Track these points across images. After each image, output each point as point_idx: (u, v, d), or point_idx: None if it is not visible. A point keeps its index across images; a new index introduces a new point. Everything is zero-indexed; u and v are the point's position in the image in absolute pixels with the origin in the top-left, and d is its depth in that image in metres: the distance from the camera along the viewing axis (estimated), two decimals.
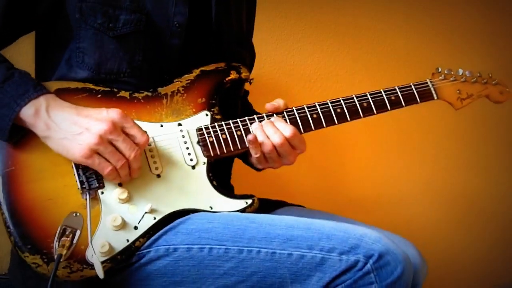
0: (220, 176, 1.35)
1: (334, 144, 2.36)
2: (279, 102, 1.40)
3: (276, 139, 1.34)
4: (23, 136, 1.20)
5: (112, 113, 1.18)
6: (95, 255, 1.14)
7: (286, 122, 1.38)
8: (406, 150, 2.60)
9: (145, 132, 1.22)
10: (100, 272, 1.13)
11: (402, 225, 2.49)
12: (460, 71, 1.55)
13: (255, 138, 1.33)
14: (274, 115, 1.39)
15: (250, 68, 1.68)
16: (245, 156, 1.45)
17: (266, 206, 1.41)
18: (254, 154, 1.36)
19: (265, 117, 1.38)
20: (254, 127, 1.35)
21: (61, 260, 1.11)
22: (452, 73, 1.55)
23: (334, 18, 2.40)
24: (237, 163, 1.58)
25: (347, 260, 1.13)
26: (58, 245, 1.13)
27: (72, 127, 1.16)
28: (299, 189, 2.26)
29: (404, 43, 2.53)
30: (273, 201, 1.51)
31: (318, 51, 2.35)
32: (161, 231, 1.22)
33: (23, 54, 1.60)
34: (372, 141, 2.50)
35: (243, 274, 1.18)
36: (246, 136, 1.35)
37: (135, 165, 1.20)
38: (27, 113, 1.16)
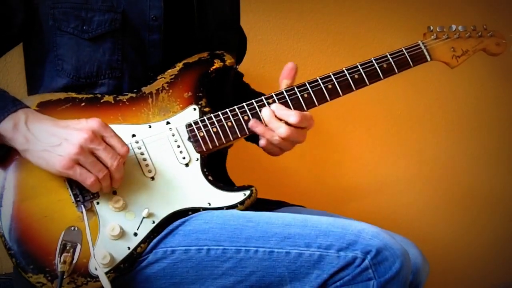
0: (215, 170, 1.34)
1: (333, 143, 2.35)
2: (289, 67, 1.37)
3: (283, 132, 1.31)
4: (4, 155, 1.19)
5: (91, 122, 1.15)
6: (99, 267, 1.15)
7: (288, 105, 1.34)
8: (406, 149, 2.58)
9: (125, 142, 1.19)
10: (107, 285, 1.13)
11: (402, 224, 2.49)
12: (453, 27, 1.49)
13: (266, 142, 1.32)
14: (275, 99, 1.34)
15: (243, 52, 1.64)
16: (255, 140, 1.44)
17: (266, 206, 1.40)
18: (271, 150, 1.35)
19: (254, 103, 1.34)
20: (255, 128, 1.32)
21: (64, 276, 1.11)
22: (444, 30, 1.49)
23: (334, 18, 2.37)
24: (237, 163, 1.58)
25: (345, 256, 1.13)
26: (60, 261, 1.12)
27: (50, 139, 1.14)
28: (298, 189, 2.25)
29: (404, 43, 2.52)
30: (273, 201, 1.50)
31: (318, 51, 2.33)
32: (160, 235, 1.22)
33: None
34: (371, 139, 2.48)
35: (241, 274, 1.18)
36: (237, 126, 1.31)
37: (117, 175, 1.17)
38: (6, 127, 1.14)
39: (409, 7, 2.54)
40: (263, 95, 1.39)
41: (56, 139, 1.14)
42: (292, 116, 1.31)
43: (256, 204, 1.31)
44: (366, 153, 2.49)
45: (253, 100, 1.34)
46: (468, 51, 1.49)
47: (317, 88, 1.36)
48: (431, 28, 1.47)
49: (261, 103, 1.34)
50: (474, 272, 2.82)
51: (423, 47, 1.45)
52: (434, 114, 2.61)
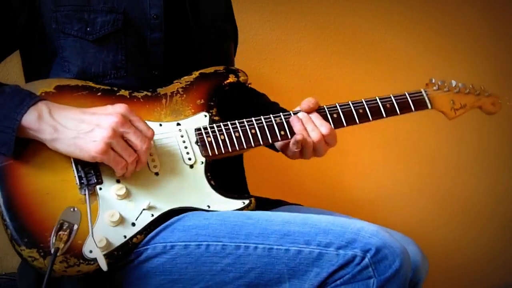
0: (232, 173, 1.39)
1: None
2: (311, 101, 1.42)
3: (315, 136, 1.38)
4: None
5: (118, 108, 1.18)
6: (97, 248, 1.14)
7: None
8: (405, 150, 2.60)
9: (150, 126, 1.23)
10: (103, 264, 1.13)
11: (402, 224, 2.49)
12: (453, 83, 1.59)
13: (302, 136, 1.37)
14: (282, 117, 1.40)
15: (235, 43, 1.69)
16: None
17: (265, 205, 1.42)
18: (296, 149, 1.39)
19: (262, 119, 1.39)
20: (295, 123, 1.39)
21: (58, 254, 1.10)
22: (445, 84, 1.58)
23: (334, 18, 2.40)
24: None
25: (345, 255, 1.12)
26: (56, 239, 1.12)
27: (81, 126, 1.15)
28: (298, 189, 2.26)
29: (404, 43, 2.53)
30: (271, 200, 1.52)
31: (318, 51, 2.35)
32: (158, 229, 1.22)
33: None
34: (371, 141, 2.50)
35: (240, 270, 1.18)
36: (244, 138, 1.36)
37: (144, 158, 1.21)
38: (30, 119, 1.14)
39: (409, 8, 2.55)
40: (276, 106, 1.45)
41: (87, 126, 1.15)
42: (325, 126, 1.39)
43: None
44: (365, 154, 2.50)
45: (261, 117, 1.40)
46: (466, 106, 1.60)
47: (323, 115, 1.43)
48: (433, 80, 1.57)
49: (269, 119, 1.40)
50: (474, 272, 2.80)
51: (425, 95, 1.54)
52: (434, 116, 2.60)
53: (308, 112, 1.42)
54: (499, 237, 2.86)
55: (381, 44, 2.49)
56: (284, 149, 1.47)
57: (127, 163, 1.18)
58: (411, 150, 2.62)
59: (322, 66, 2.34)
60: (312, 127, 1.39)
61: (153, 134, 1.22)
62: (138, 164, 1.22)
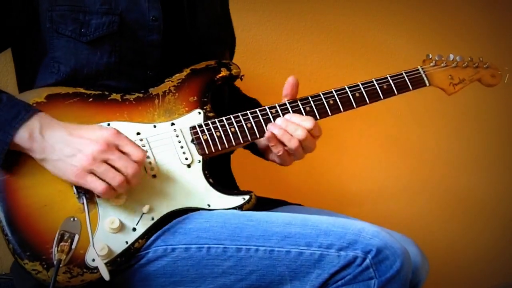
0: (219, 170, 1.35)
1: (332, 143, 2.35)
2: (291, 83, 1.40)
3: (300, 134, 1.33)
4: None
5: (105, 133, 1.16)
6: (98, 257, 1.14)
7: (302, 114, 1.38)
8: (405, 150, 2.60)
9: (142, 148, 1.21)
10: (105, 274, 1.12)
11: (402, 223, 2.49)
12: (451, 56, 1.55)
13: (273, 136, 1.33)
14: (278, 109, 1.38)
15: (232, 50, 1.68)
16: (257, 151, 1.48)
17: (265, 204, 1.41)
18: (277, 153, 1.36)
19: (257, 112, 1.37)
20: (273, 127, 1.34)
21: (60, 265, 1.10)
22: (443, 58, 1.54)
23: (334, 18, 2.40)
24: (237, 161, 1.58)
25: (346, 256, 1.13)
26: (57, 250, 1.12)
27: (65, 149, 1.15)
28: (297, 188, 2.26)
29: (404, 43, 2.53)
30: (272, 199, 1.51)
31: (318, 51, 2.35)
32: (159, 232, 1.22)
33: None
34: (370, 139, 2.50)
35: (242, 272, 1.18)
36: (240, 133, 1.34)
37: (135, 181, 1.18)
38: (22, 136, 1.14)
39: (409, 7, 2.55)
40: (255, 100, 1.42)
41: (70, 150, 1.15)
42: (307, 121, 1.34)
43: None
44: (365, 154, 2.50)
45: (256, 109, 1.37)
46: (464, 80, 1.55)
47: (319, 102, 1.40)
48: (430, 56, 1.53)
49: (264, 112, 1.37)
50: (474, 272, 2.80)
51: (422, 72, 1.51)
52: (434, 115, 2.62)
53: (294, 96, 1.40)
54: (499, 237, 2.86)
55: (381, 44, 2.49)
56: (278, 155, 1.40)
57: (109, 186, 1.15)
58: (411, 150, 2.62)
59: (322, 66, 2.34)
60: (294, 128, 1.33)
61: (143, 156, 1.18)
62: (130, 187, 1.19)
